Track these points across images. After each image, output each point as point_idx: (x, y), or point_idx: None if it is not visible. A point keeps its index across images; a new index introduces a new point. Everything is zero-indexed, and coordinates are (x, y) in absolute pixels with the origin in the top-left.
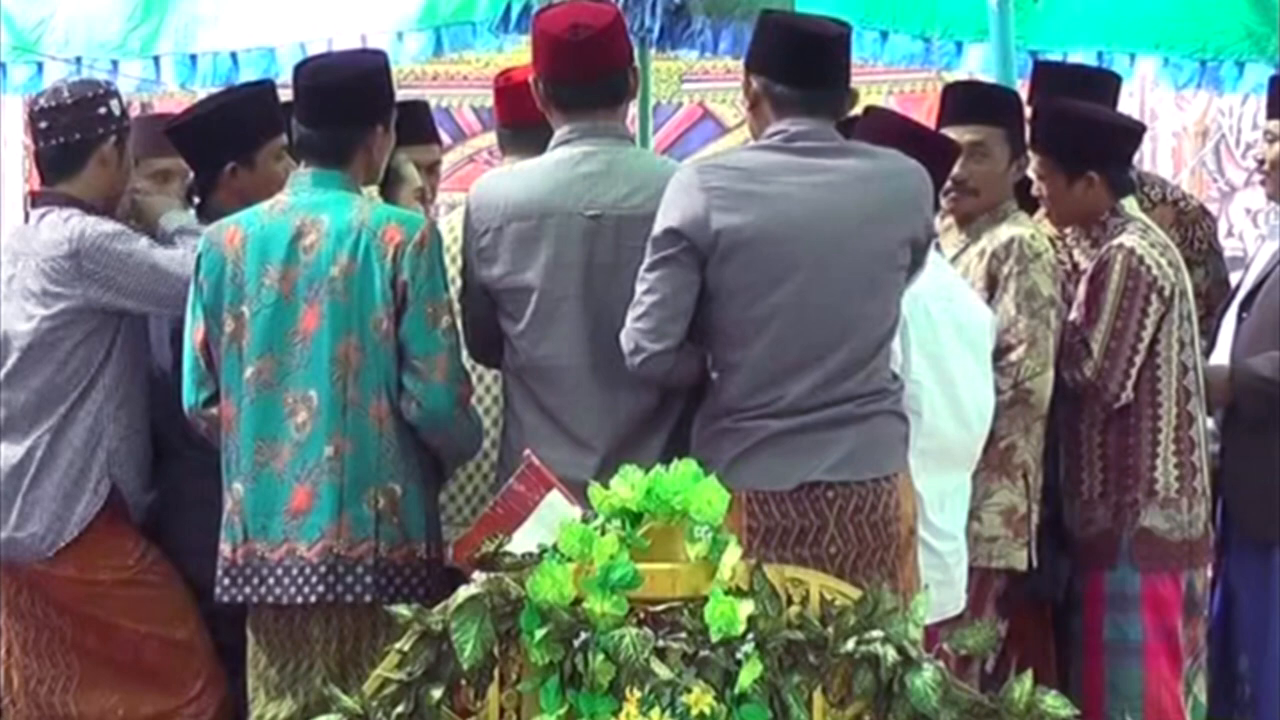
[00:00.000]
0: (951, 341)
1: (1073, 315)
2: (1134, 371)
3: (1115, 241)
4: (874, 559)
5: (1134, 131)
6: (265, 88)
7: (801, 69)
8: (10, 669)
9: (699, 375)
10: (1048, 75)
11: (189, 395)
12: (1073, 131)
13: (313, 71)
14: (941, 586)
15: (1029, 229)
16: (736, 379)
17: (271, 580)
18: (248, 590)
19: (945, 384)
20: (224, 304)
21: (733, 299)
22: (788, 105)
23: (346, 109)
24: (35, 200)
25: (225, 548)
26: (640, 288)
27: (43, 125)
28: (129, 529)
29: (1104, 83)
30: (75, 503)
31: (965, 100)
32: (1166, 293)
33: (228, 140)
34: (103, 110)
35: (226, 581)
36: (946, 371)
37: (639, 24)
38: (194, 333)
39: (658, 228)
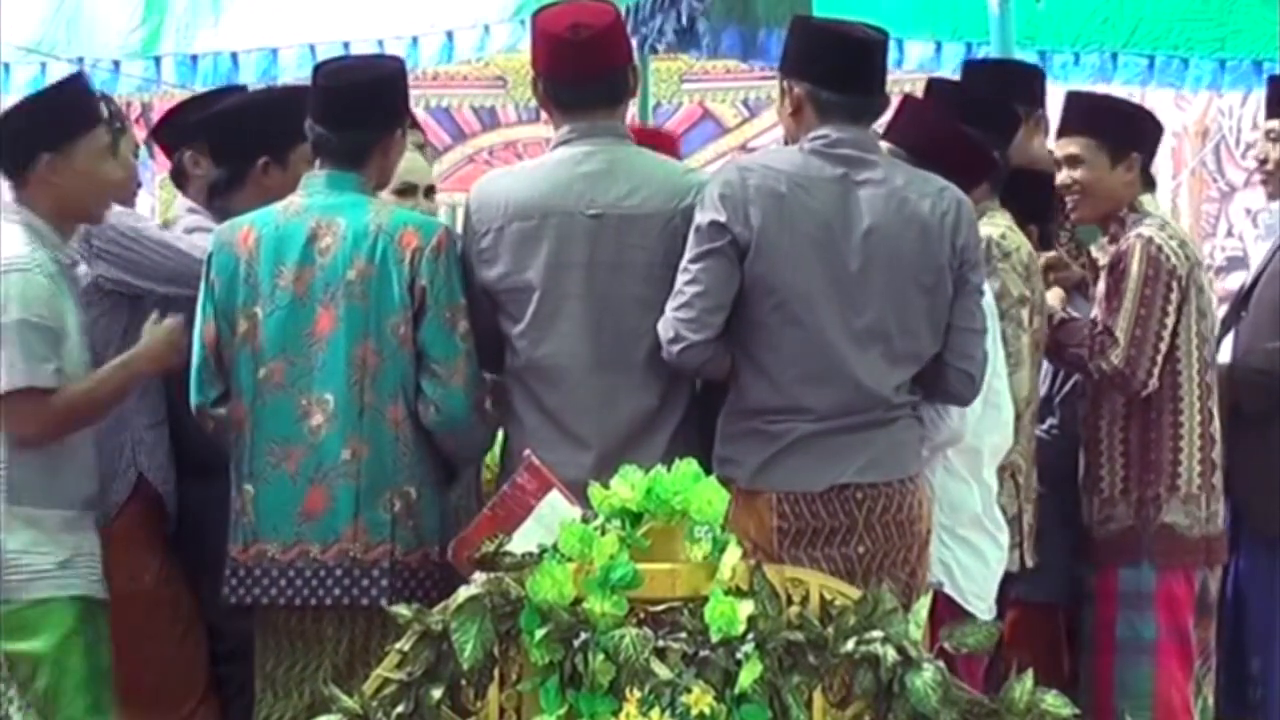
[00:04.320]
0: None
1: (1095, 311)
2: (1159, 358)
3: (1134, 232)
4: (899, 558)
5: (1160, 126)
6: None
7: (849, 76)
8: None
9: (728, 372)
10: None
11: (197, 394)
12: (1120, 112)
13: (334, 73)
14: (997, 580)
15: (1000, 228)
16: (765, 379)
17: (283, 582)
18: (257, 591)
19: (1002, 379)
20: (236, 304)
21: (766, 297)
22: (833, 111)
23: (368, 112)
24: None
25: (234, 549)
26: (683, 278)
27: None
28: (153, 537)
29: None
30: (103, 493)
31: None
32: (1183, 282)
33: (263, 135)
34: None
35: (234, 583)
36: (1002, 367)
37: (653, 31)
38: (204, 331)
39: (703, 219)
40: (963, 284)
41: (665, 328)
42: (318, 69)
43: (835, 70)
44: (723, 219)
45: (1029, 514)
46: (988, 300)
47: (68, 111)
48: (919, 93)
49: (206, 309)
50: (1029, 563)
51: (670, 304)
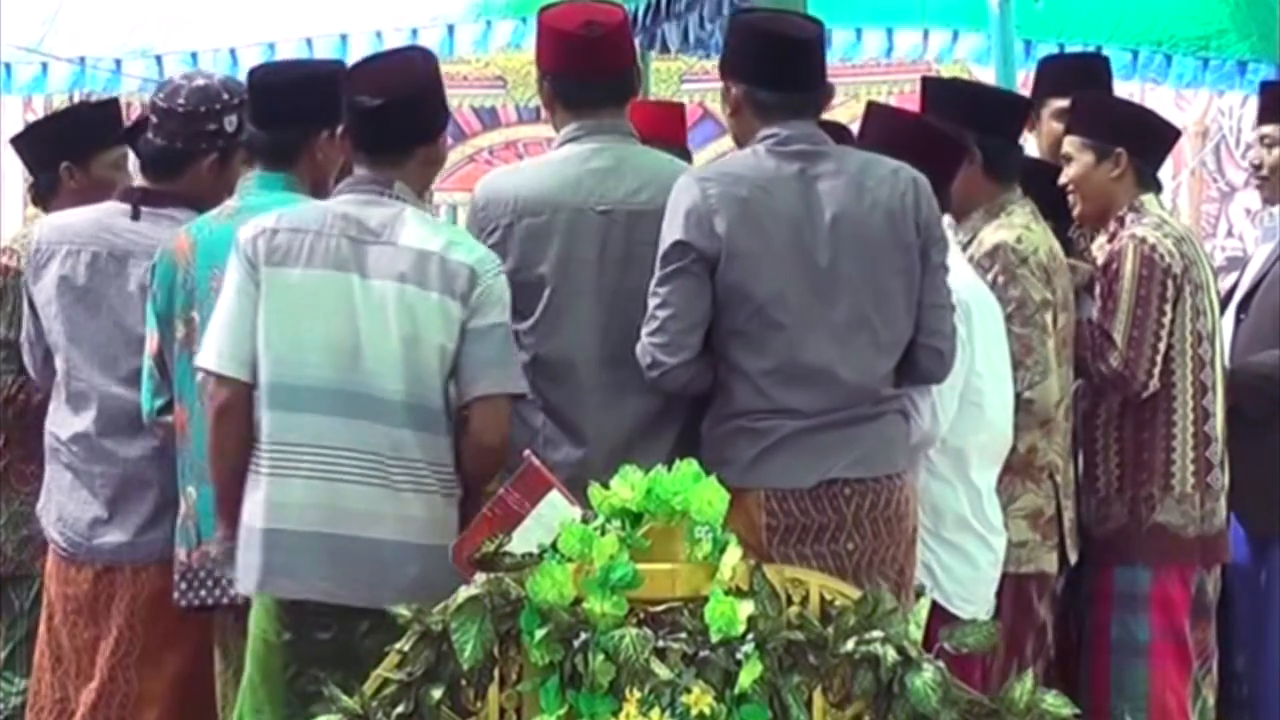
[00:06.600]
0: (989, 334)
1: (1094, 313)
2: (1159, 358)
3: (1128, 232)
4: (887, 555)
5: (1168, 129)
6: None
7: (781, 73)
8: (40, 679)
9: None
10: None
11: (146, 403)
12: (1105, 109)
13: (263, 72)
14: (992, 583)
15: (1015, 230)
16: (749, 385)
17: (226, 583)
18: (203, 593)
19: (993, 378)
20: (175, 310)
21: (743, 305)
22: (772, 110)
23: (291, 109)
24: (144, 197)
25: (180, 552)
26: (653, 302)
27: (153, 120)
28: None
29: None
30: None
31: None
32: (1178, 280)
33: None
34: (212, 126)
35: (184, 586)
36: (994, 365)
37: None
38: (150, 341)
39: (665, 241)
40: (927, 261)
41: (642, 353)
42: (252, 70)
43: (767, 69)
44: (685, 237)
45: (1069, 511)
46: (981, 296)
47: (442, 97)
48: (911, 92)
49: (150, 319)
50: (1071, 560)
51: (644, 329)
